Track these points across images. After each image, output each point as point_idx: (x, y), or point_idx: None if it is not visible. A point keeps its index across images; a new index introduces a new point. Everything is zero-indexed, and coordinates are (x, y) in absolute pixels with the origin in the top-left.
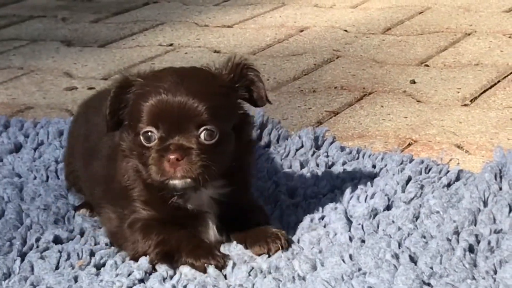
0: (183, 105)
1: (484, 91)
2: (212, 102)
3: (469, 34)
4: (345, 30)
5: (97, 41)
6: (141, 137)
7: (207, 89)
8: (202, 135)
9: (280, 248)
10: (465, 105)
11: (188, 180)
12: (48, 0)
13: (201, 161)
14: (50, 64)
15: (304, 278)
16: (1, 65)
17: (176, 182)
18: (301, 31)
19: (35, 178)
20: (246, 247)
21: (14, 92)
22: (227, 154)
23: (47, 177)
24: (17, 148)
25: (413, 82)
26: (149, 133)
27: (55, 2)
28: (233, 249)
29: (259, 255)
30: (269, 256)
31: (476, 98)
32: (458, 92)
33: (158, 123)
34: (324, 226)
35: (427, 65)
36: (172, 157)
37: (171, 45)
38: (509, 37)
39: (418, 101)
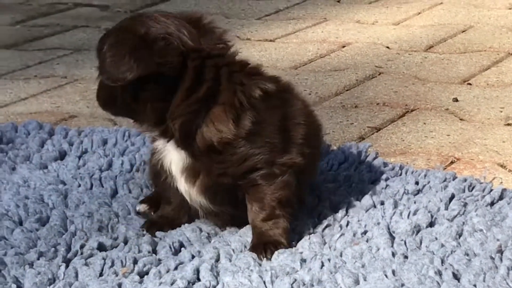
0: None
1: None
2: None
3: None
4: (387, 47)
5: None
6: None
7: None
8: None
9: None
10: (508, 124)
11: None
12: (92, 11)
13: None
14: (94, 74)
15: None
16: (45, 73)
17: None
18: (343, 46)
19: (79, 185)
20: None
21: (58, 100)
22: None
23: (91, 184)
24: (62, 155)
25: (456, 100)
26: None
27: (99, 13)
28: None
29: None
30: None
31: None
32: (501, 111)
33: None
34: (367, 241)
35: (469, 84)
36: None
37: None
38: None
39: (461, 119)
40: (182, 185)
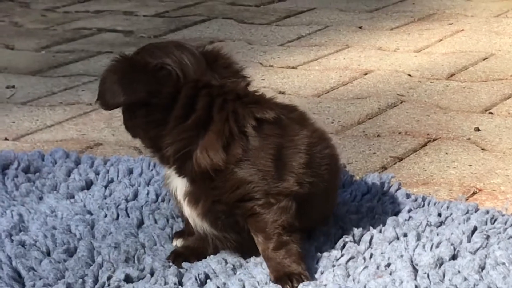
0: None
1: None
2: None
3: None
4: (409, 75)
5: None
6: None
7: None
8: None
9: None
10: None
11: None
12: (116, 36)
13: None
14: None
15: None
16: (70, 100)
17: None
18: (365, 74)
19: (105, 216)
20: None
21: (83, 128)
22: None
23: (118, 215)
24: (88, 185)
25: (478, 129)
26: None
27: (123, 38)
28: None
29: None
30: None
31: None
32: None
33: None
34: (390, 274)
35: (491, 113)
36: None
37: None
38: None
39: (482, 149)
40: (186, 210)
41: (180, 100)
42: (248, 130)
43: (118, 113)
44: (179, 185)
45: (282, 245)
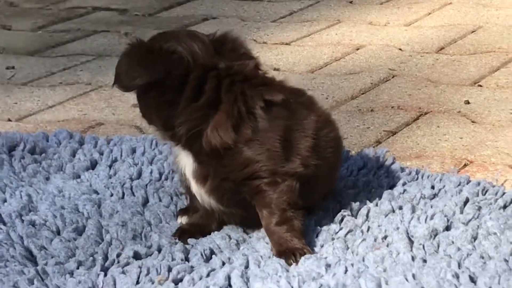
0: None
1: None
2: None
3: None
4: (400, 49)
5: None
6: None
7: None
8: None
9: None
10: None
11: None
12: (111, 15)
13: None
14: None
15: None
16: (69, 80)
17: None
18: (357, 49)
19: (111, 195)
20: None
21: (84, 108)
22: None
23: (123, 193)
24: (93, 165)
25: (468, 102)
26: None
27: (117, 17)
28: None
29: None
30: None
31: None
32: (511, 113)
33: None
34: (387, 246)
35: (480, 85)
36: None
37: None
38: None
39: (472, 122)
40: (194, 187)
41: (190, 82)
42: (257, 112)
43: (117, 92)
44: (188, 163)
45: (285, 221)
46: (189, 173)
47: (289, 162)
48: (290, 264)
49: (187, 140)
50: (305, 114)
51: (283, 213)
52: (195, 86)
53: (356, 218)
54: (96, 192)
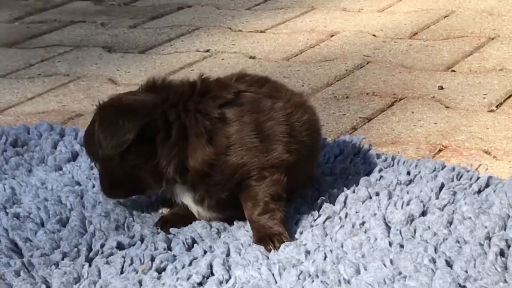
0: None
1: (509, 97)
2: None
3: (492, 39)
4: (374, 35)
5: (137, 47)
6: None
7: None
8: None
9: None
10: (491, 111)
11: None
12: (87, 5)
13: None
14: (95, 71)
15: (349, 282)
16: (48, 72)
17: None
18: (331, 36)
19: (93, 186)
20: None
21: (63, 99)
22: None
23: None
24: (74, 156)
25: (441, 88)
26: None
27: (93, 7)
28: (240, 234)
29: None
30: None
31: (501, 103)
32: (484, 98)
33: None
34: (365, 232)
35: (453, 70)
36: None
37: (207, 51)
38: None
39: (446, 107)
40: (193, 208)
41: (157, 125)
42: (222, 117)
43: (96, 83)
44: (186, 195)
45: (267, 211)
46: (190, 203)
47: (272, 151)
48: (269, 250)
49: (180, 176)
50: (270, 103)
51: (266, 204)
52: (164, 126)
53: (334, 205)
54: (78, 184)
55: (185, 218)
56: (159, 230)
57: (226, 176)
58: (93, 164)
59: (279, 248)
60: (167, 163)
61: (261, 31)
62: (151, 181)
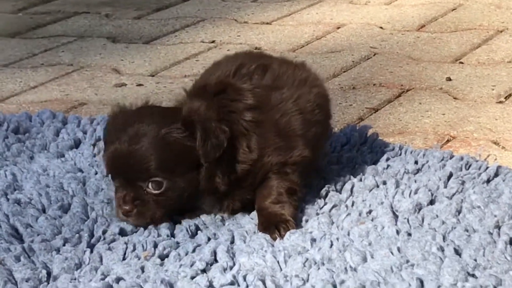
0: (129, 160)
1: None
2: (162, 153)
3: (501, 31)
4: (381, 27)
5: (141, 38)
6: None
7: (157, 141)
8: (150, 185)
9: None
10: (500, 102)
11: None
12: None
13: (149, 211)
14: (99, 61)
15: (355, 269)
16: (51, 61)
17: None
18: (338, 28)
19: (96, 173)
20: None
21: (67, 88)
22: (178, 198)
23: None
24: (77, 144)
25: (449, 79)
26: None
27: None
28: (244, 222)
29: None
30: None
31: (510, 95)
32: (493, 89)
33: (112, 173)
34: (372, 220)
35: (461, 62)
36: (123, 208)
37: (213, 42)
38: None
39: (454, 98)
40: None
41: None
42: (252, 120)
43: (100, 73)
44: (213, 205)
45: (279, 202)
46: (214, 211)
47: (293, 149)
48: (274, 239)
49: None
50: (279, 95)
51: (280, 195)
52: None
53: (340, 193)
54: (81, 171)
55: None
56: None
57: (258, 177)
58: (96, 151)
59: (284, 236)
60: (221, 172)
61: (267, 23)
62: (206, 197)
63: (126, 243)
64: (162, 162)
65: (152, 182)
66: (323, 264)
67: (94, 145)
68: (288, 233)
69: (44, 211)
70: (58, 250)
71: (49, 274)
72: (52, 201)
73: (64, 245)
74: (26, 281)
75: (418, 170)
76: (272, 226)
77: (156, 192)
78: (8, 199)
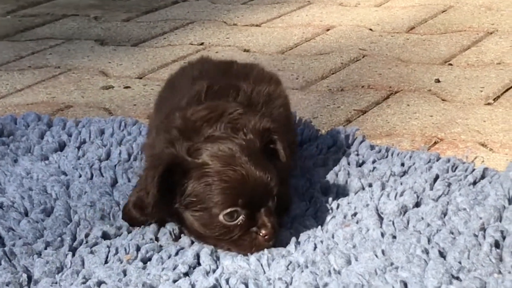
0: (263, 181)
1: (507, 90)
2: (271, 170)
3: (491, 33)
4: (370, 29)
5: (129, 40)
6: (223, 217)
7: (262, 159)
8: (272, 203)
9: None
10: (489, 104)
11: None
12: None
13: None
14: (86, 63)
15: (339, 272)
16: (38, 64)
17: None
18: (328, 30)
19: (80, 176)
20: None
21: (53, 91)
22: None
23: (92, 174)
24: (61, 146)
25: (438, 81)
26: (234, 213)
27: (87, 1)
28: None
29: None
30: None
31: (499, 97)
32: (481, 91)
33: (241, 201)
34: (357, 222)
35: (450, 64)
36: (270, 233)
37: (201, 44)
38: None
39: (443, 100)
40: None
41: None
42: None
43: (87, 75)
44: None
45: None
46: None
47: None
48: None
49: None
50: (255, 120)
51: None
52: None
53: (325, 195)
54: (65, 174)
55: None
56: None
57: None
58: (80, 154)
59: None
60: None
61: (256, 25)
62: None
63: (108, 247)
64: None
65: (274, 198)
66: (306, 267)
67: (78, 147)
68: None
69: (26, 214)
70: (39, 254)
71: (30, 278)
72: (35, 204)
73: (46, 248)
74: (7, 285)
75: (405, 172)
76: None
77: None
78: None
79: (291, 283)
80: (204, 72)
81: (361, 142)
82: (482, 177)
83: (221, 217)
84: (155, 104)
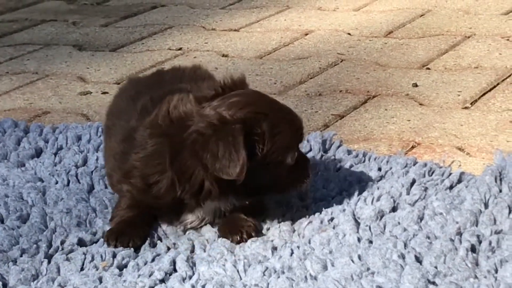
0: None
1: (484, 94)
2: None
3: (468, 37)
4: (349, 34)
5: (108, 45)
6: (290, 159)
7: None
8: None
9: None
10: (466, 108)
11: None
12: (59, 4)
13: None
14: (64, 69)
15: (316, 278)
16: (16, 69)
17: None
18: (306, 34)
19: (56, 182)
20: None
21: (31, 97)
22: None
23: (68, 181)
24: (38, 153)
25: (416, 85)
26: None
27: (66, 6)
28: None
29: (238, 243)
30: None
31: (476, 101)
32: (459, 95)
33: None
34: (334, 228)
35: (428, 68)
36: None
37: (180, 49)
38: (508, 39)
39: (420, 104)
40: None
41: None
42: None
43: (64, 81)
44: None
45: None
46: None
47: None
48: (237, 242)
49: None
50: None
51: None
52: None
53: (302, 201)
54: (41, 180)
55: (134, 225)
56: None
57: None
58: (57, 160)
59: (247, 240)
60: None
61: (235, 30)
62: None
63: (84, 254)
64: None
65: None
66: (283, 272)
67: (55, 154)
68: (249, 241)
69: (2, 221)
70: (15, 261)
71: (5, 285)
72: (10, 211)
73: (21, 256)
74: None
75: (381, 177)
76: (234, 230)
77: None
78: None
79: None
80: (140, 90)
81: (338, 147)
82: (459, 181)
83: (289, 159)
84: (104, 136)
